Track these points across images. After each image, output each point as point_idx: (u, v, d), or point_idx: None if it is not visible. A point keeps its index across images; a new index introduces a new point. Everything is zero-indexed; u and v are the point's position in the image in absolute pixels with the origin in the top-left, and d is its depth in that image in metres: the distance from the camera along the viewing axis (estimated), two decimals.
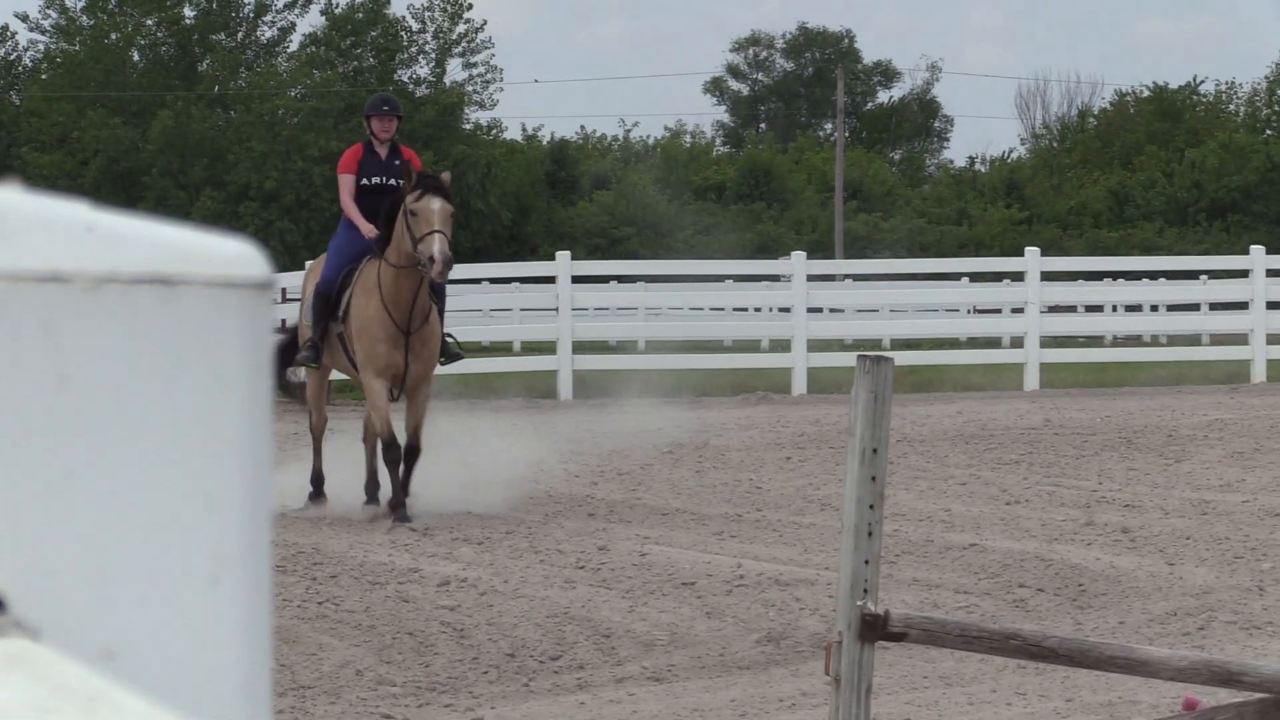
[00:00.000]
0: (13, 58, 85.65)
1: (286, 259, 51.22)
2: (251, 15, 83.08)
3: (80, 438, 1.87)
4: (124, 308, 1.85)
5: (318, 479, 22.67)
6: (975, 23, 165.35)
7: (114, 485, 1.88)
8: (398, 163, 21.48)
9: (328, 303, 21.40)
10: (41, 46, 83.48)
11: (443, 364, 22.18)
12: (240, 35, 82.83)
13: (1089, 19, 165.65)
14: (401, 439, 21.68)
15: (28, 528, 1.87)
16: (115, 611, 1.87)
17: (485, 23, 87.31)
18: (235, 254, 1.91)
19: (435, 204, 20.23)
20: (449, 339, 21.99)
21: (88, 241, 1.86)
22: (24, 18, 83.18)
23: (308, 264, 25.98)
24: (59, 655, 1.73)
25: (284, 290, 41.27)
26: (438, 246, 19.96)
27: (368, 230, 21.13)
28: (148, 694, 1.65)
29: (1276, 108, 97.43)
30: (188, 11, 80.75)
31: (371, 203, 21.36)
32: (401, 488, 20.98)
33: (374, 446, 22.17)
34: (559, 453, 29.47)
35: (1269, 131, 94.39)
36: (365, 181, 21.55)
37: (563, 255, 42.87)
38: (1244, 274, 44.45)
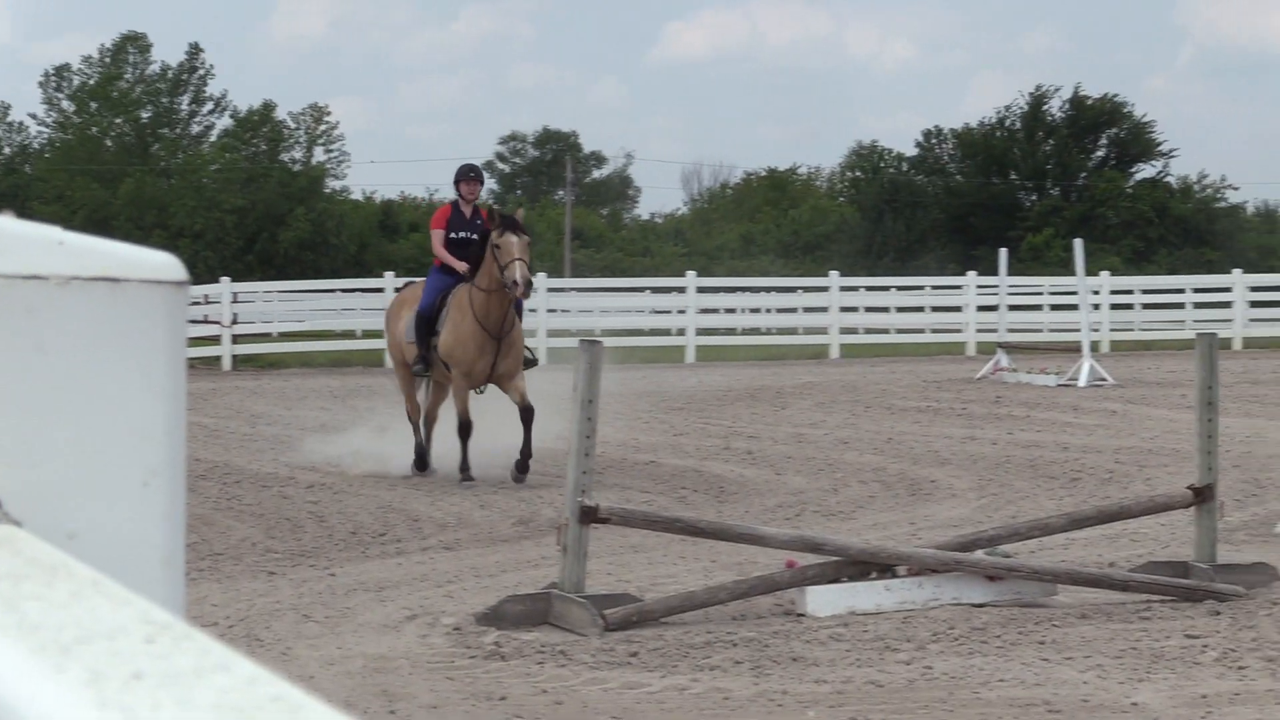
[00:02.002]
0: (26, 142, 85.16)
1: (207, 276, 50.57)
2: (186, 117, 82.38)
3: (53, 386, 1.89)
4: (84, 298, 1.88)
5: (421, 456, 19.36)
6: (657, 125, 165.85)
7: (76, 418, 1.90)
8: (478, 221, 18.86)
9: (428, 323, 18.73)
10: (45, 134, 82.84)
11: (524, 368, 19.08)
12: (178, 130, 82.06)
13: (728, 124, 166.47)
14: (457, 419, 18.82)
15: (15, 449, 1.86)
16: (75, 506, 1.89)
17: (339, 122, 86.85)
18: (162, 263, 1.93)
19: (514, 239, 17.87)
20: (527, 352, 19.16)
21: (59, 252, 1.88)
22: (35, 116, 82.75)
23: (394, 295, 23.06)
24: (35, 538, 1.69)
25: (205, 296, 41.14)
26: (519, 272, 17.70)
27: (462, 267, 18.56)
28: (96, 564, 1.61)
29: (846, 183, 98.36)
30: (144, 114, 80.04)
31: (457, 252, 18.77)
32: (526, 448, 18.11)
33: (428, 430, 19.47)
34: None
35: (841, 199, 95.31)
36: (453, 235, 18.90)
37: (389, 275, 43.02)
38: (824, 290, 45.14)
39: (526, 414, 18.23)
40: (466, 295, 18.39)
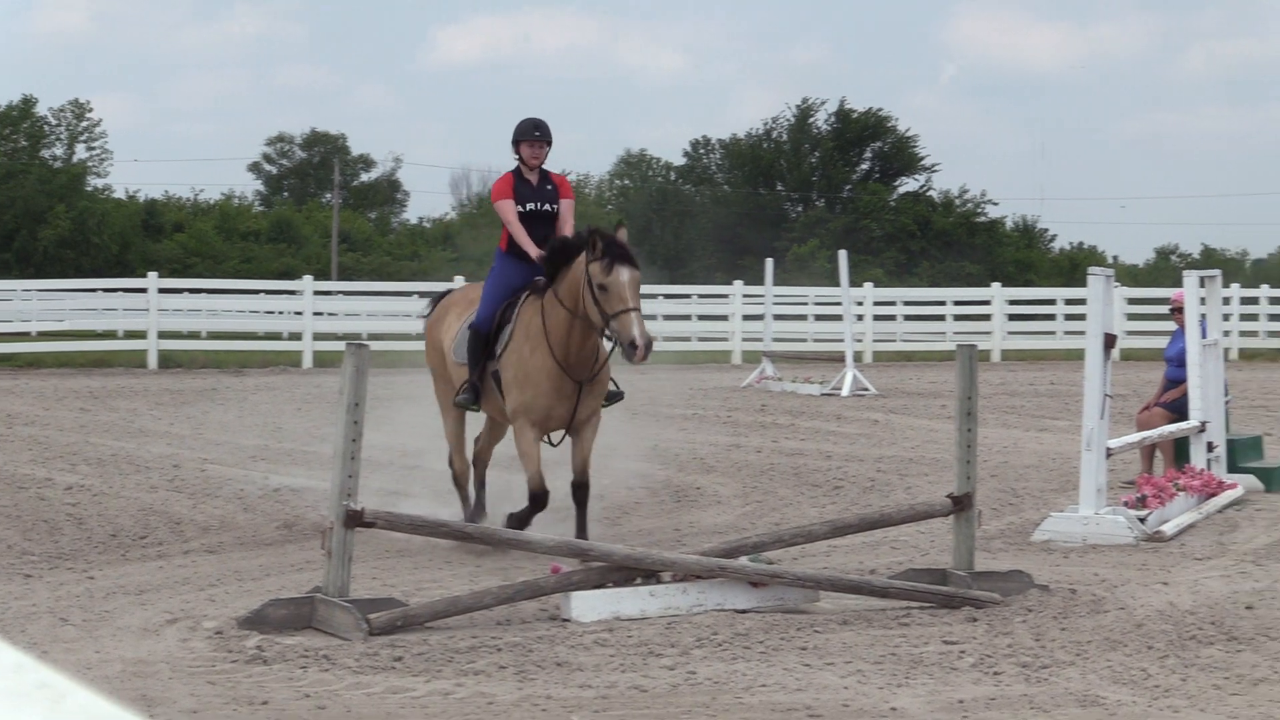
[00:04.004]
0: None
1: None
2: None
3: None
4: None
5: (473, 519, 14.75)
6: (426, 130, 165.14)
7: None
8: (549, 187, 14.37)
9: (485, 342, 14.18)
10: None
11: (604, 406, 14.38)
12: None
13: (497, 129, 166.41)
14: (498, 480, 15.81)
15: None
16: None
17: (102, 119, 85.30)
18: None
19: (625, 275, 12.95)
20: (611, 383, 14.34)
21: None
22: None
23: (450, 288, 17.10)
24: None
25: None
26: (638, 330, 12.79)
27: (535, 253, 13.86)
28: None
29: (614, 191, 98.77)
30: None
31: (530, 230, 14.17)
32: (581, 533, 13.55)
33: (477, 474, 15.60)
34: (147, 402, 28.88)
35: (609, 206, 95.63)
36: (521, 209, 14.23)
37: (153, 275, 42.41)
38: None
39: (580, 492, 13.93)
40: (539, 316, 13.75)
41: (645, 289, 57.82)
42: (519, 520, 13.79)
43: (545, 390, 13.61)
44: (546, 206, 14.25)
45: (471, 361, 14.25)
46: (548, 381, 13.59)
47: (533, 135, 14.39)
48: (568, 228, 14.17)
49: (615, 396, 14.44)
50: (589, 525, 13.86)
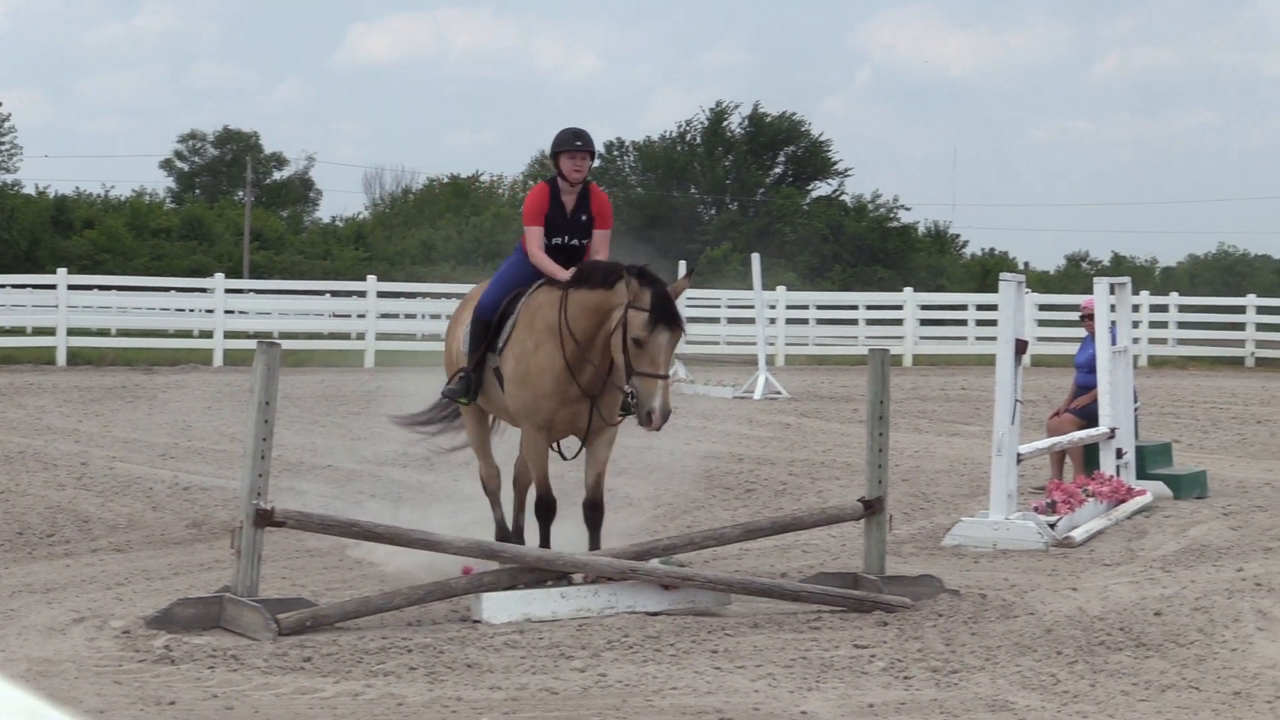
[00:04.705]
0: None
1: None
2: None
3: None
4: None
5: (505, 539, 12.92)
6: (340, 129, 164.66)
7: None
8: (584, 219, 12.49)
9: (486, 330, 12.61)
10: None
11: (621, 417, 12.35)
12: None
13: (412, 129, 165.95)
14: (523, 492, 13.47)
15: None
16: None
17: (11, 114, 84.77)
18: None
19: (664, 338, 11.44)
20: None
21: None
22: None
23: (469, 290, 14.67)
24: None
25: None
26: (659, 400, 11.35)
27: (563, 277, 12.12)
28: None
29: (528, 192, 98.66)
30: None
31: (555, 260, 12.40)
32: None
33: (517, 496, 13.49)
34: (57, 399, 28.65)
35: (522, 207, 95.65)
36: (547, 242, 12.48)
37: (62, 271, 42.10)
38: None
39: (593, 513, 12.32)
40: (555, 308, 12.11)
41: None
42: (540, 539, 12.36)
43: (547, 391, 11.99)
44: (575, 242, 12.55)
45: (470, 349, 12.77)
46: (551, 383, 11.97)
47: (573, 145, 12.58)
48: (601, 257, 12.52)
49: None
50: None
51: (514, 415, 12.42)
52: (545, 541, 12.19)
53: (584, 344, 11.84)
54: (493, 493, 13.33)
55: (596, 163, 11.98)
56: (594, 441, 12.24)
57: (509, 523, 13.31)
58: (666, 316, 11.49)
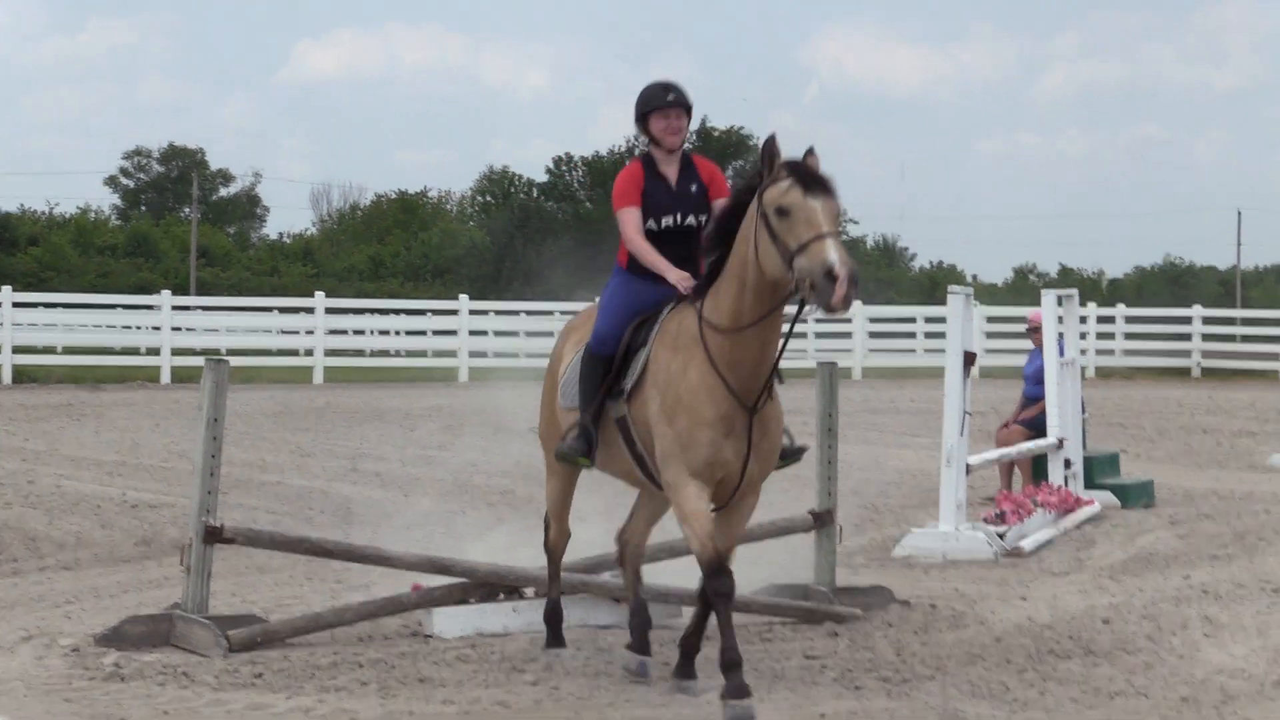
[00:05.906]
0: None
1: None
2: None
3: None
4: None
5: (554, 614, 10.72)
6: (287, 145, 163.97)
7: None
8: (693, 188, 9.96)
9: (608, 368, 9.84)
10: None
11: (779, 465, 10.11)
12: None
13: (360, 145, 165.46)
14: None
15: None
16: None
17: None
18: None
19: (816, 201, 8.70)
20: (785, 434, 10.09)
21: None
22: None
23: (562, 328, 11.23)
24: None
25: None
26: (836, 254, 8.50)
27: (678, 277, 9.64)
28: None
29: (477, 207, 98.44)
30: None
31: (664, 251, 9.83)
32: (730, 641, 8.97)
33: (628, 574, 10.84)
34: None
35: (471, 223, 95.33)
36: (653, 225, 9.88)
37: (6, 289, 41.88)
38: (454, 313, 45.36)
39: (721, 582, 9.23)
40: (692, 319, 9.43)
41: (506, 305, 57.94)
42: (697, 617, 9.83)
43: (708, 419, 9.24)
44: (691, 220, 9.96)
45: (584, 396, 10.01)
46: (710, 404, 9.25)
47: (665, 101, 10.01)
48: None
49: (794, 452, 10.36)
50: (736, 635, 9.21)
51: (661, 460, 9.41)
52: (727, 630, 9.05)
53: (730, 328, 9.25)
54: (555, 559, 10.97)
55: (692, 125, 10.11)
56: (742, 501, 9.71)
57: (561, 578, 10.98)
58: (801, 175, 8.87)
